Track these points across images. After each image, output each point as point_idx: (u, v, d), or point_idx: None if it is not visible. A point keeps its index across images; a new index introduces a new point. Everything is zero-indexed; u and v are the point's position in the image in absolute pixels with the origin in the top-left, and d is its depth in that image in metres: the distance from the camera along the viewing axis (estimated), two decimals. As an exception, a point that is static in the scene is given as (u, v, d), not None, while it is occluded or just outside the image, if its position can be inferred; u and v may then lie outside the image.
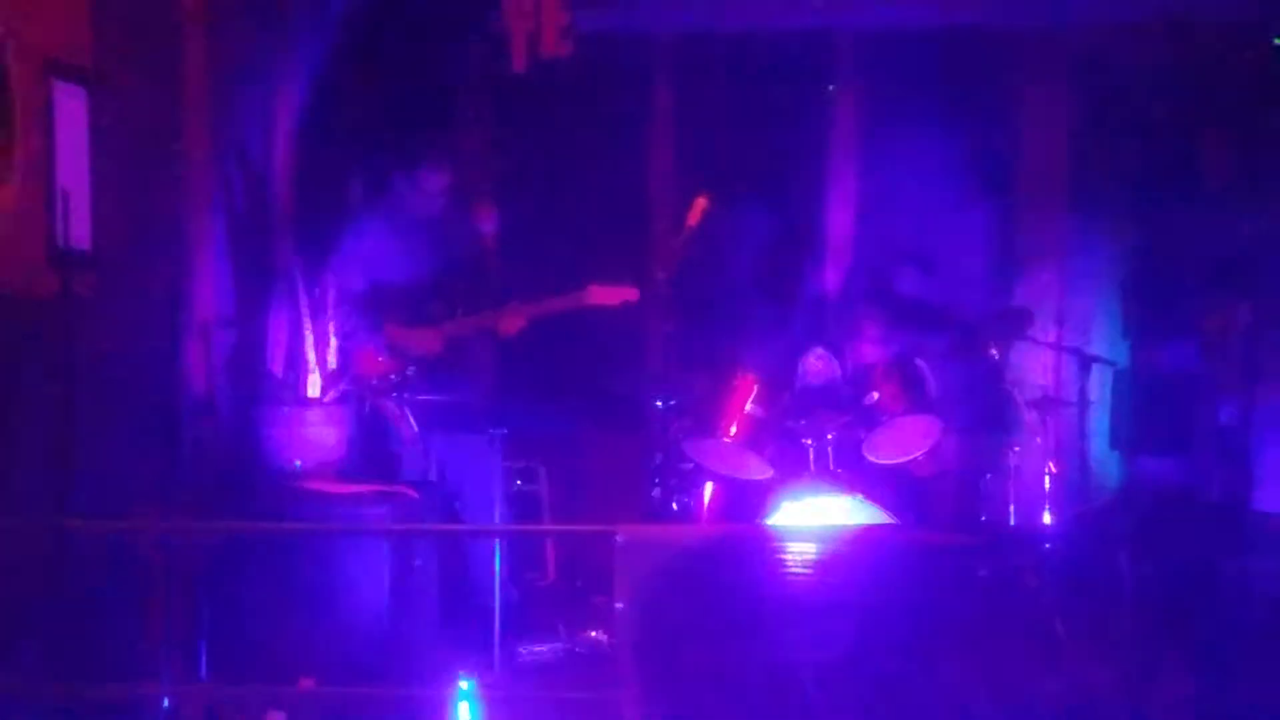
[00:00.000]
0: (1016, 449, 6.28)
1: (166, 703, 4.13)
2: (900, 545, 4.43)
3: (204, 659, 4.76)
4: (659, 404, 5.90)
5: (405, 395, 5.51)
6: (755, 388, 5.86)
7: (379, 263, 5.71)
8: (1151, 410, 5.82)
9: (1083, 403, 6.46)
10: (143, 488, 4.81)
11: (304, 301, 5.78)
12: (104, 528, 4.52)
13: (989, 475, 6.33)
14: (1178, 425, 5.29)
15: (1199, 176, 5.75)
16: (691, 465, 5.85)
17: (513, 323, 5.77)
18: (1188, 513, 4.35)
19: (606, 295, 5.71)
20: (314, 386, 5.72)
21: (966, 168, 6.67)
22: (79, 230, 4.35)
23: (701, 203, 5.88)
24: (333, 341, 5.76)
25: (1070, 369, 6.50)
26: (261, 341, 5.80)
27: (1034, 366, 6.56)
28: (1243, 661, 3.48)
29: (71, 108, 4.33)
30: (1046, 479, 6.16)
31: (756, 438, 5.79)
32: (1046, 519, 6.01)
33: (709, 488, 5.89)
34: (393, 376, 5.50)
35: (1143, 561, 3.49)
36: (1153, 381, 5.89)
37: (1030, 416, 6.32)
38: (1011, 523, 6.09)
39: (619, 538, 3.84)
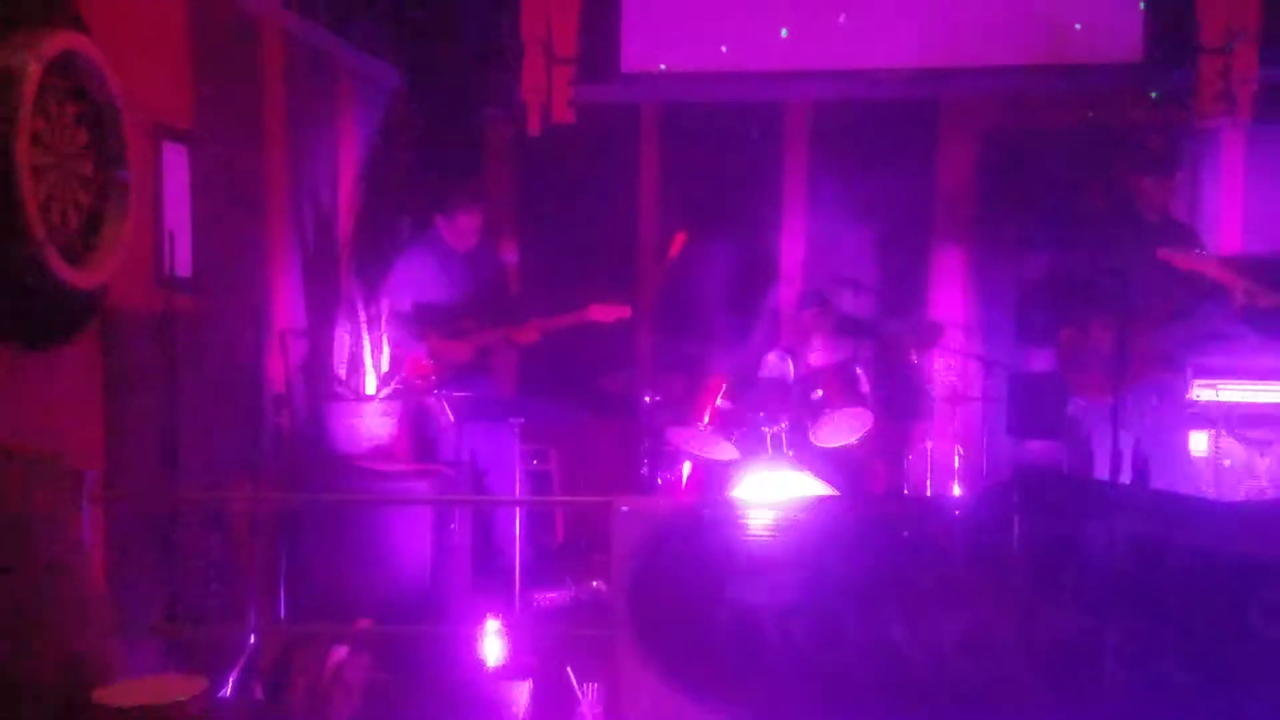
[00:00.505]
0: (931, 436, 6.33)
1: (252, 640, 4.13)
2: (840, 512, 4.43)
3: (282, 604, 4.78)
4: (646, 399, 5.93)
5: (442, 392, 5.51)
6: (723, 386, 5.87)
7: (423, 287, 5.72)
8: (1033, 405, 5.83)
9: (984, 398, 6.50)
10: (233, 465, 4.81)
11: (362, 317, 5.80)
12: (204, 497, 4.54)
13: (910, 456, 6.37)
14: (1050, 417, 5.31)
15: (1075, 216, 5.76)
16: (672, 448, 5.86)
17: (529, 335, 5.79)
18: (1061, 485, 4.37)
19: (604, 313, 5.74)
20: (370, 385, 5.73)
21: (892, 209, 6.68)
22: (182, 260, 4.35)
23: (680, 237, 5.89)
24: (385, 350, 5.78)
25: (974, 371, 6.54)
26: (328, 349, 5.80)
27: (945, 369, 6.56)
28: (1102, 598, 3.50)
29: (175, 162, 4.34)
30: (955, 459, 6.21)
31: (725, 426, 5.79)
32: (955, 491, 6.06)
33: (687, 466, 5.90)
34: (432, 378, 5.51)
35: (1029, 524, 3.49)
36: (1033, 382, 5.90)
37: (942, 409, 6.36)
38: (928, 494, 6.13)
39: (615, 507, 3.85)
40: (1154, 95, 6.25)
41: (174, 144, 4.33)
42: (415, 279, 5.73)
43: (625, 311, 5.80)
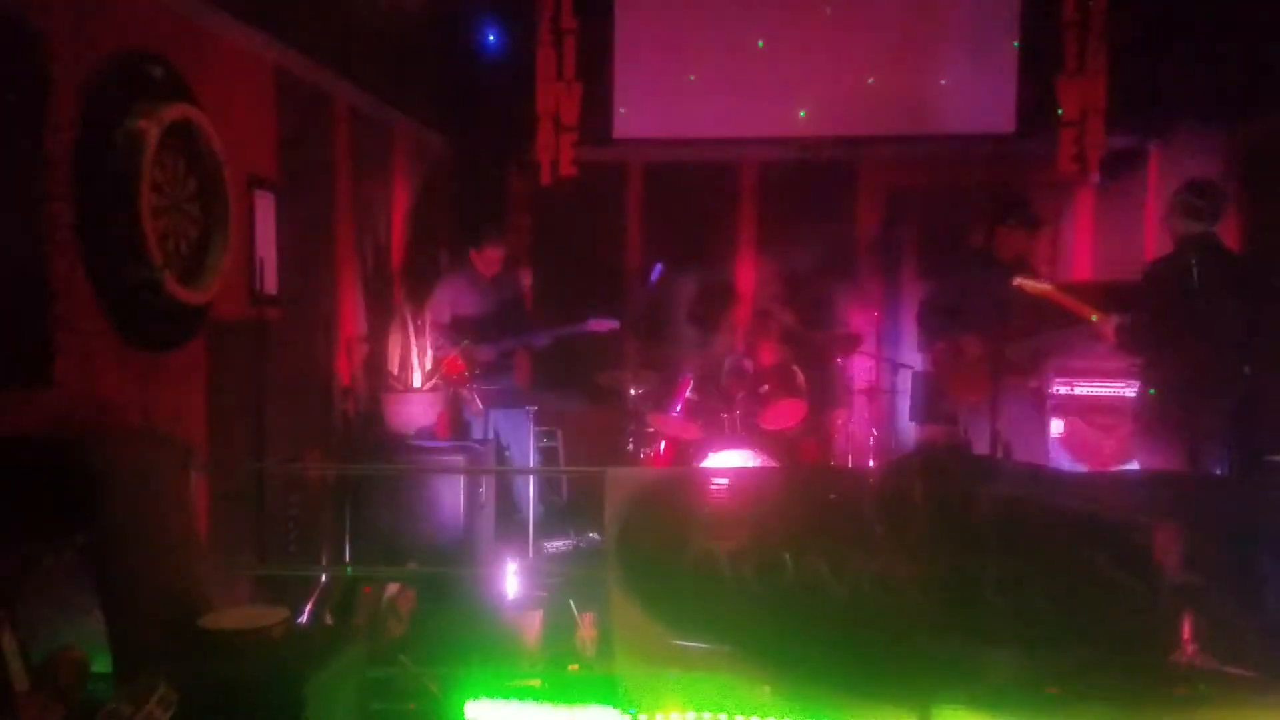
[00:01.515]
0: (852, 421, 6.33)
1: (323, 579, 4.11)
2: (780, 479, 4.42)
3: (347, 551, 4.75)
4: (632, 391, 5.93)
5: (473, 386, 5.50)
6: (692, 381, 5.87)
7: (458, 304, 5.70)
8: (928, 397, 5.85)
9: (892, 391, 6.51)
10: (309, 442, 4.80)
11: (410, 327, 5.78)
12: (284, 467, 4.52)
13: (835, 436, 6.37)
14: (941, 407, 5.34)
15: (955, 255, 5.78)
16: (652, 430, 5.86)
17: (542, 342, 5.80)
18: (952, 458, 4.38)
19: (600, 325, 5.74)
20: (417, 380, 5.71)
21: (822, 247, 6.70)
22: (269, 281, 4.34)
23: (658, 266, 5.90)
24: (428, 352, 5.76)
25: (885, 371, 6.55)
26: (384, 351, 5.78)
27: (863, 369, 6.58)
28: (983, 544, 3.50)
29: (265, 205, 4.33)
30: (870, 439, 6.22)
31: (693, 413, 5.79)
32: (871, 464, 6.07)
33: (662, 444, 5.89)
34: (465, 374, 5.50)
35: (927, 487, 3.49)
36: (928, 379, 5.92)
37: (860, 400, 6.37)
38: (849, 465, 6.14)
39: (607, 474, 3.84)
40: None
41: (263, 191, 4.32)
42: (452, 298, 5.72)
43: (615, 324, 5.80)
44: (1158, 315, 4.34)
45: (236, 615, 2.95)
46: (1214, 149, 5.79)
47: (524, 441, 5.76)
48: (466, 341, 5.53)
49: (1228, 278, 4.27)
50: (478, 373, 5.50)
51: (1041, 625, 3.46)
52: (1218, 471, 4.33)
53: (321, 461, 4.84)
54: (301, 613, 3.91)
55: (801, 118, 6.43)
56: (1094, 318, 4.51)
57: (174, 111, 3.44)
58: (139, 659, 2.66)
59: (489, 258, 5.73)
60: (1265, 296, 4.32)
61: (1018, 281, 4.57)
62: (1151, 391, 4.45)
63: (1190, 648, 3.62)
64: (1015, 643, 3.49)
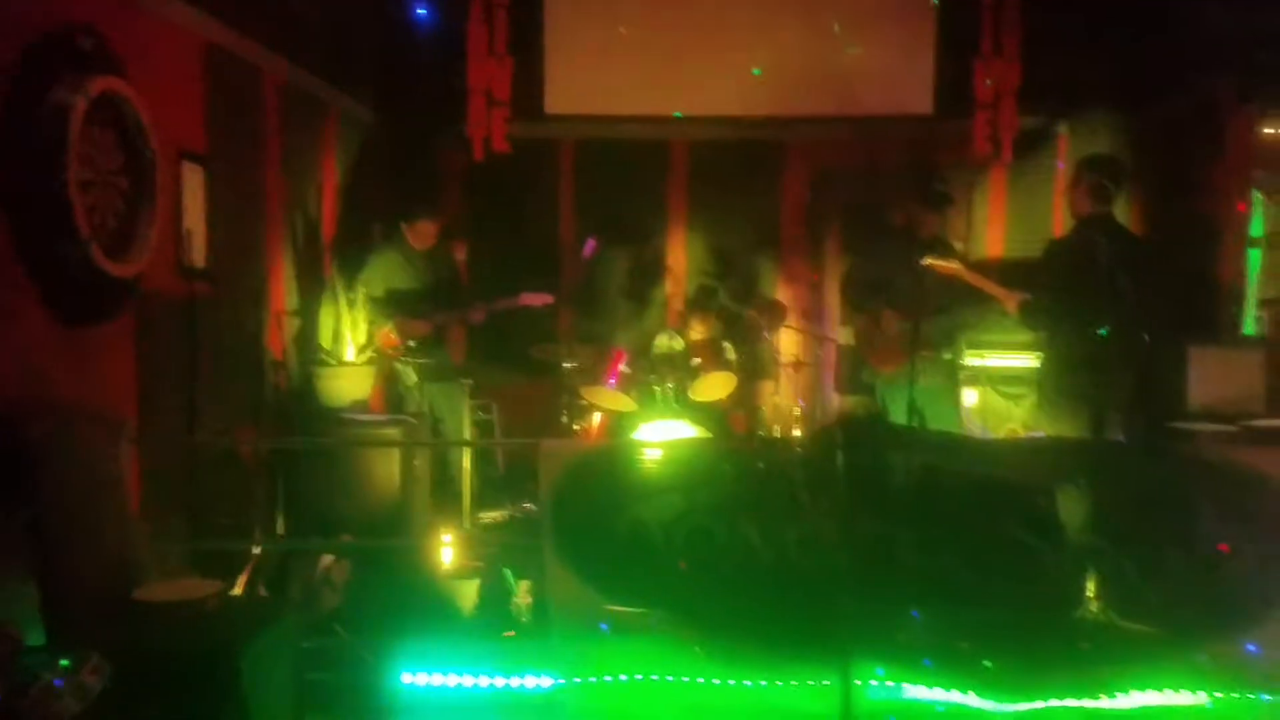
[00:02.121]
0: (779, 393, 6.45)
1: (256, 550, 4.09)
2: (711, 449, 4.50)
3: (281, 523, 4.72)
4: (566, 365, 5.96)
5: (407, 359, 5.48)
6: (625, 355, 5.92)
7: (391, 278, 5.66)
8: (851, 370, 5.97)
9: (817, 364, 6.65)
10: (241, 416, 4.75)
11: (342, 300, 5.72)
12: (213, 441, 4.47)
13: (763, 407, 6.48)
14: (864, 380, 5.47)
15: (880, 227, 5.91)
16: (586, 403, 5.89)
17: (476, 316, 5.78)
18: (872, 427, 4.50)
19: (534, 299, 5.75)
20: (350, 354, 5.67)
21: (750, 224, 6.80)
22: (197, 255, 4.28)
23: (591, 242, 5.93)
24: (361, 325, 5.71)
25: (810, 344, 6.68)
26: (315, 325, 5.72)
27: (790, 342, 6.69)
28: (900, 509, 3.62)
29: (193, 178, 4.26)
30: (797, 410, 6.34)
31: (626, 386, 5.85)
32: (796, 433, 6.19)
33: (597, 416, 5.93)
34: (399, 348, 5.47)
35: (849, 456, 3.60)
36: (851, 353, 6.03)
37: (787, 372, 6.48)
38: (776, 435, 6.26)
39: (541, 446, 3.88)
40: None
41: (192, 164, 4.24)
42: (385, 272, 5.67)
43: (549, 299, 5.82)
44: (1062, 291, 4.52)
45: (170, 588, 2.94)
46: (1117, 131, 6.00)
47: (459, 415, 5.75)
48: (400, 315, 5.50)
49: (1127, 255, 4.47)
50: (412, 347, 5.47)
51: (954, 585, 3.61)
52: (1119, 438, 4.54)
53: (251, 435, 4.79)
54: (236, 585, 3.88)
55: (730, 97, 6.47)
56: (999, 295, 4.70)
57: (102, 84, 3.36)
58: (72, 632, 2.64)
59: (422, 232, 5.69)
60: (1159, 273, 4.54)
61: (928, 261, 4.72)
62: (1044, 363, 4.64)
63: (1094, 605, 3.81)
64: (929, 602, 3.64)
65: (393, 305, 5.56)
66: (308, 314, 5.61)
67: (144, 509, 3.76)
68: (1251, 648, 3.58)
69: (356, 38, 6.12)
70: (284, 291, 5.33)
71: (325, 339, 5.75)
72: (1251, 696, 3.55)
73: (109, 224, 3.54)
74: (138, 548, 3.07)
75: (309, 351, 5.58)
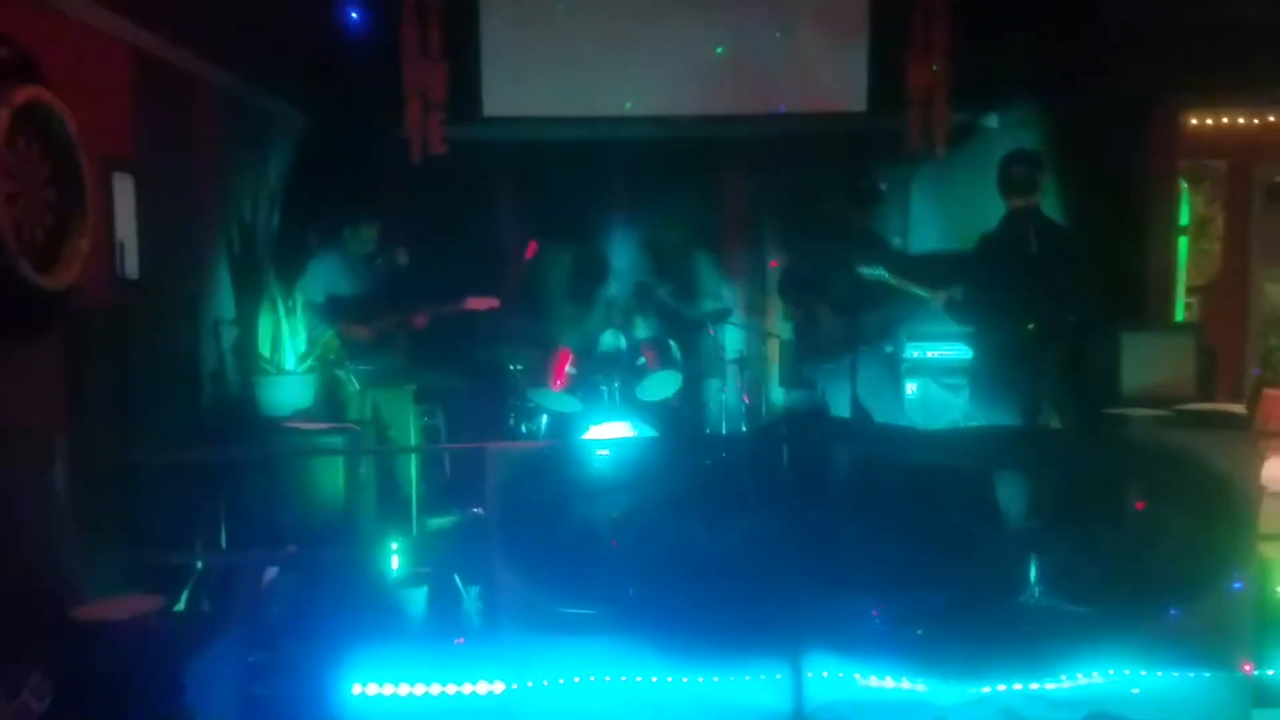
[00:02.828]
0: (724, 389, 6.50)
1: (199, 565, 4.03)
2: (659, 447, 4.54)
3: (223, 536, 4.64)
4: (511, 367, 5.94)
5: (349, 365, 5.43)
6: (571, 356, 5.91)
7: (333, 283, 5.60)
8: (796, 365, 6.02)
9: (763, 361, 6.71)
10: (178, 428, 4.67)
11: (281, 307, 5.66)
12: (154, 456, 4.39)
13: (709, 405, 6.52)
14: (805, 375, 5.53)
15: (816, 226, 5.98)
16: (533, 404, 5.89)
17: (420, 320, 5.74)
18: (815, 421, 4.59)
19: (479, 303, 5.73)
20: (289, 362, 5.59)
21: (692, 223, 6.83)
22: (131, 265, 4.21)
23: (533, 244, 5.92)
24: (300, 332, 5.65)
25: (754, 341, 6.74)
26: (254, 333, 5.64)
27: (734, 339, 6.74)
28: (843, 499, 3.70)
29: (124, 187, 4.19)
30: (743, 406, 6.39)
31: (572, 386, 5.85)
32: (743, 428, 6.24)
33: (544, 418, 5.93)
34: (343, 353, 5.42)
35: (793, 450, 3.66)
36: (794, 348, 6.09)
37: (732, 369, 6.53)
38: (723, 431, 6.30)
39: (488, 450, 3.88)
40: None
41: (122, 173, 4.16)
42: (326, 277, 5.60)
43: (494, 302, 5.80)
44: (992, 284, 4.63)
45: (110, 606, 2.90)
46: (1047, 124, 6.14)
47: (405, 420, 5.71)
48: (342, 322, 5.44)
49: (1055, 246, 4.59)
50: (355, 352, 5.42)
51: (899, 574, 3.69)
52: (1054, 425, 4.66)
53: (189, 449, 4.71)
54: (177, 600, 3.83)
55: (666, 97, 6.51)
56: (926, 294, 4.82)
57: (25, 94, 3.29)
58: (10, 652, 2.59)
59: (364, 236, 5.64)
60: (1089, 263, 4.67)
61: (862, 268, 4.82)
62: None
63: (1036, 590, 3.92)
64: (876, 591, 3.71)
65: (334, 311, 5.50)
66: (246, 322, 5.53)
67: (80, 526, 3.68)
68: (1174, 612, 3.69)
69: (289, 43, 6.04)
70: (221, 300, 5.25)
71: (265, 347, 5.67)
72: (1191, 674, 3.68)
73: (38, 237, 3.47)
74: (74, 566, 3.02)
75: (248, 360, 5.50)
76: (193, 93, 4.95)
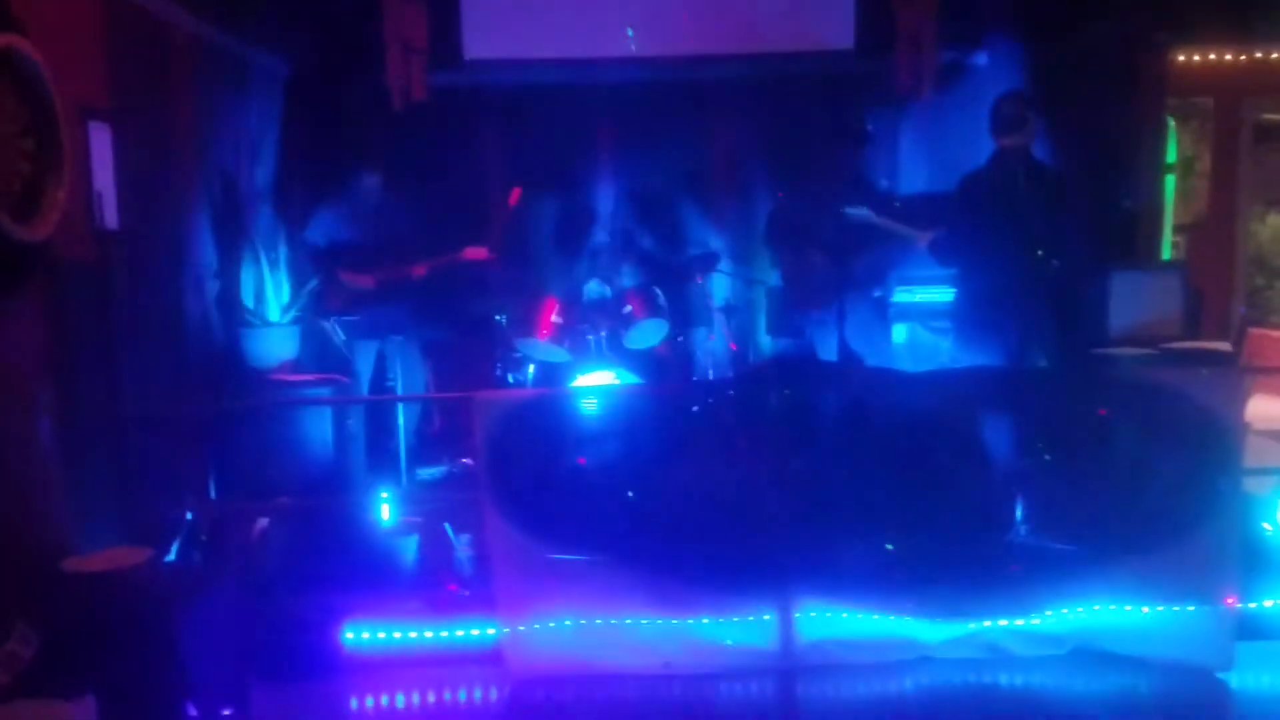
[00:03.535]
0: (713, 336, 6.48)
1: (190, 515, 4.03)
2: (646, 395, 4.53)
3: (212, 488, 4.64)
4: (499, 318, 5.92)
5: (334, 318, 5.41)
6: (557, 305, 5.88)
7: (335, 231, 5.55)
8: (783, 312, 6.00)
9: (749, 308, 6.69)
10: (163, 382, 4.64)
11: (265, 259, 5.61)
12: (146, 411, 4.36)
13: (697, 352, 6.51)
14: (794, 322, 5.51)
15: (804, 171, 5.93)
16: (520, 354, 5.87)
17: (419, 271, 5.70)
18: (803, 367, 4.58)
19: (475, 254, 5.70)
20: (274, 313, 5.57)
21: (681, 169, 6.76)
22: (110, 216, 4.15)
23: (517, 191, 5.86)
24: (284, 283, 5.62)
25: (741, 288, 6.71)
26: (238, 285, 5.60)
27: (721, 286, 6.70)
28: (831, 443, 3.71)
29: (100, 136, 4.10)
30: (731, 353, 6.38)
31: (559, 336, 5.82)
32: (730, 375, 6.23)
33: (531, 368, 5.91)
34: (340, 303, 5.39)
35: (781, 396, 3.66)
36: (781, 295, 6.06)
37: (719, 316, 6.51)
38: (711, 378, 6.30)
39: (476, 400, 3.87)
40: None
41: (98, 122, 4.08)
42: (328, 226, 5.58)
43: (489, 253, 5.76)
44: (977, 224, 4.60)
45: (101, 558, 2.89)
46: (1035, 63, 6.06)
47: (394, 371, 5.70)
48: (343, 269, 5.40)
49: (1042, 186, 4.56)
50: (352, 300, 5.40)
51: (883, 509, 3.71)
52: (1042, 365, 4.67)
53: (180, 400, 4.69)
54: (168, 552, 3.83)
55: (650, 37, 6.41)
56: (911, 235, 4.79)
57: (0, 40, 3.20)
58: (-1, 605, 2.59)
59: (366, 185, 5.60)
60: (1076, 202, 4.65)
61: (849, 210, 4.78)
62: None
63: (1023, 529, 3.95)
64: (865, 533, 3.74)
65: (337, 259, 5.46)
66: (229, 273, 5.49)
67: (69, 480, 3.67)
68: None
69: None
70: (203, 251, 5.20)
71: (249, 299, 5.63)
72: (1176, 609, 3.73)
73: (14, 187, 3.41)
74: (61, 518, 3.01)
75: (233, 312, 5.46)
76: (169, 40, 4.86)
